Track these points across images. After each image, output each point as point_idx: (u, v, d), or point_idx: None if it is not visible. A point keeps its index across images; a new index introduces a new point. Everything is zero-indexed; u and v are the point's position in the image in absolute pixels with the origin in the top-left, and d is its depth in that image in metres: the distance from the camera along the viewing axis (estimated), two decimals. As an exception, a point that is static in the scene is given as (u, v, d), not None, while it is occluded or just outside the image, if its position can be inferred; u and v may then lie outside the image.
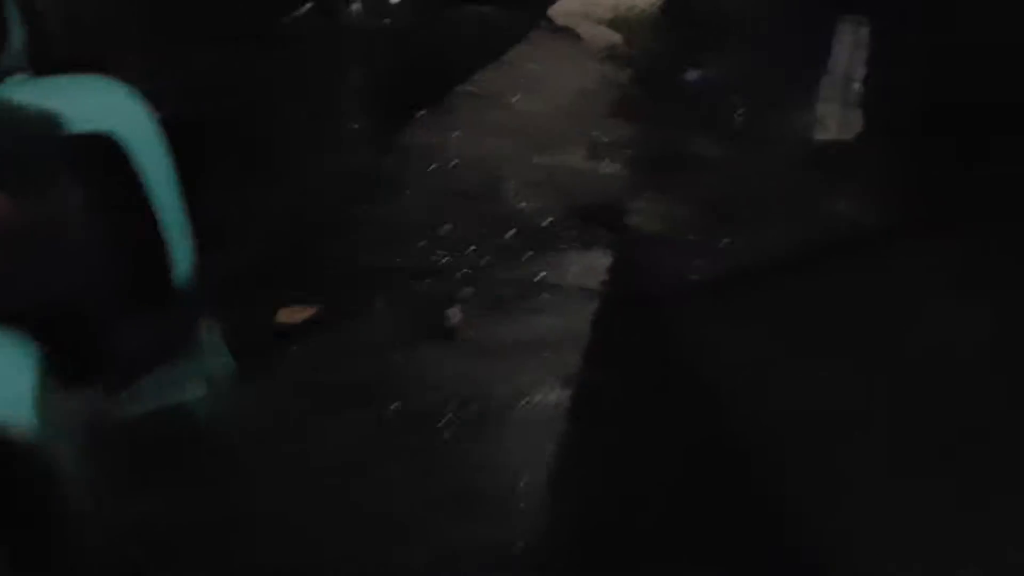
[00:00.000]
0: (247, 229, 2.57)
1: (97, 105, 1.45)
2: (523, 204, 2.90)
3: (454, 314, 2.36)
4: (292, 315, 2.37)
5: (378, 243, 2.66)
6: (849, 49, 2.85)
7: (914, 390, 2.13)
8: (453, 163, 3.19)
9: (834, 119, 2.91)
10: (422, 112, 3.48)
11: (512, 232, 2.77)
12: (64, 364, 1.25)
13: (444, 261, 2.59)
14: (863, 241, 2.71)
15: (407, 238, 2.70)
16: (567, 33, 4.24)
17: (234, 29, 3.22)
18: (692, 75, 3.21)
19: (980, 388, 2.13)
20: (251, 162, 2.86)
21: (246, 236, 2.53)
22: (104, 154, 1.34)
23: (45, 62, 1.54)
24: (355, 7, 3.38)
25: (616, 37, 3.97)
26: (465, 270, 2.56)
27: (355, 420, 2.06)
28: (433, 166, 3.17)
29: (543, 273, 2.56)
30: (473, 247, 2.68)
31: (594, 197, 2.97)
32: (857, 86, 2.88)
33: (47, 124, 1.34)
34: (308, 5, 3.51)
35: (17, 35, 1.51)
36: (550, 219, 2.84)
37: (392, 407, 2.13)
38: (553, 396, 2.18)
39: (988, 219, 2.68)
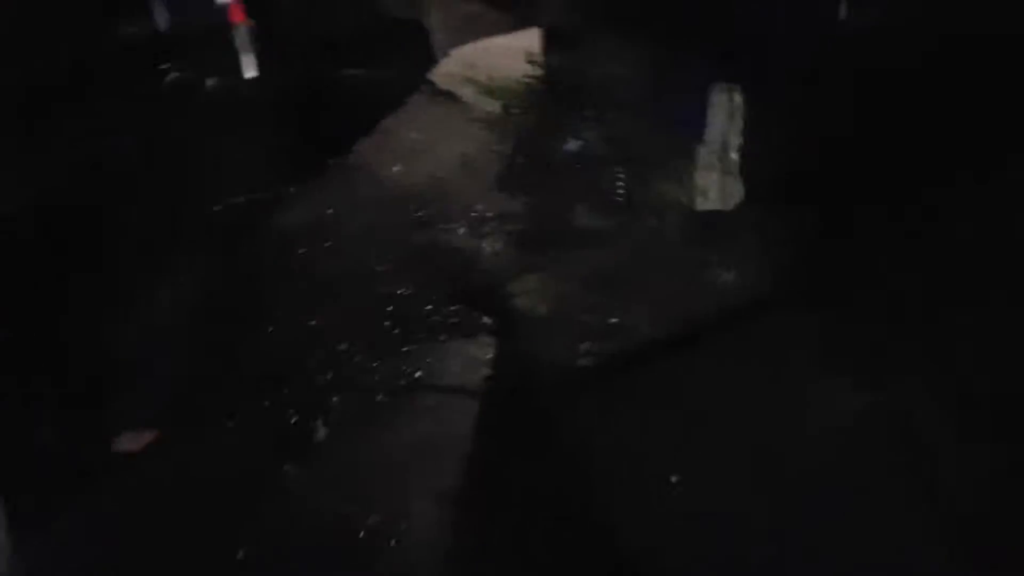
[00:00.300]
0: (77, 345, 2.28)
1: None
2: (400, 290, 2.72)
3: (320, 428, 2.14)
4: (131, 441, 2.09)
5: (232, 345, 2.41)
6: (724, 117, 2.86)
7: (797, 466, 2.12)
8: (324, 246, 2.98)
9: (714, 188, 2.91)
10: (291, 189, 3.27)
11: (387, 323, 2.58)
12: None
13: (310, 363, 2.37)
14: (747, 313, 2.67)
15: (267, 338, 2.47)
16: (448, 98, 4.13)
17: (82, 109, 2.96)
18: (572, 145, 3.15)
19: (858, 467, 2.14)
20: (87, 265, 2.57)
21: (76, 353, 2.24)
22: None
23: None
24: (211, 82, 3.15)
25: (496, 104, 3.89)
26: (333, 373, 2.34)
27: (204, 567, 1.80)
28: (301, 250, 2.95)
29: (420, 372, 2.38)
30: (343, 344, 2.47)
31: (476, 278, 2.82)
32: (735, 155, 2.89)
33: None
34: (166, 79, 3.26)
35: None
36: (429, 306, 2.67)
37: (246, 546, 1.88)
38: (432, 516, 1.99)
39: (867, 286, 2.70)
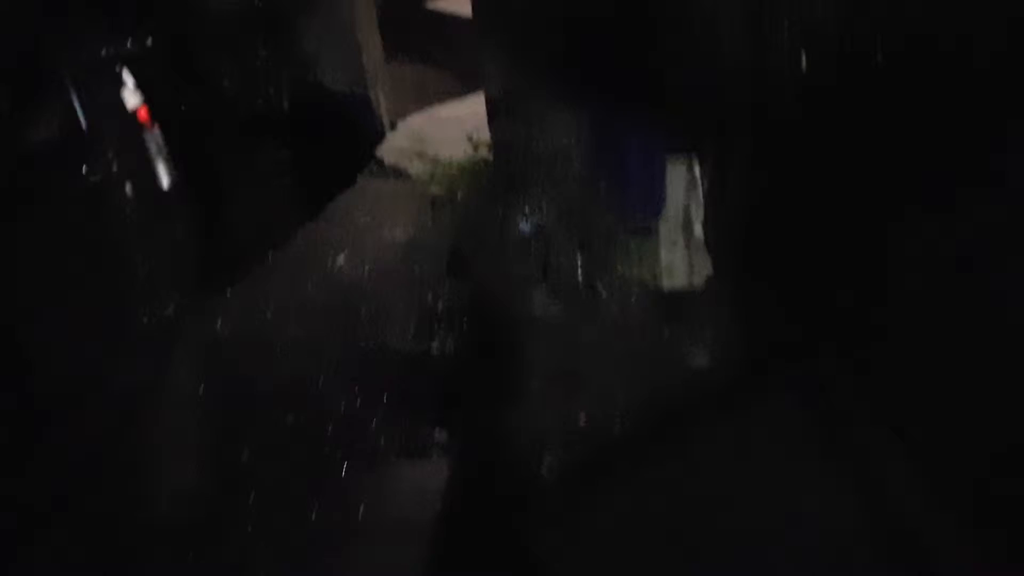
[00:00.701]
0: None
1: None
2: (342, 406, 2.49)
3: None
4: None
5: (147, 490, 2.17)
6: (684, 189, 2.71)
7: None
8: (259, 358, 2.76)
9: (680, 265, 2.74)
10: (223, 293, 3.06)
11: (327, 449, 2.35)
12: None
13: (235, 508, 2.13)
14: (726, 401, 2.47)
15: (189, 478, 2.23)
16: (396, 175, 3.97)
17: None
18: (526, 225, 2.98)
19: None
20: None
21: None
22: None
23: None
24: (129, 186, 2.96)
25: (446, 180, 3.74)
26: (262, 519, 2.11)
27: None
28: (234, 365, 2.73)
29: (363, 507, 2.14)
30: (275, 480, 2.23)
31: (425, 385, 2.60)
32: (699, 227, 2.73)
33: None
34: (83, 183, 3.06)
35: None
36: (374, 423, 2.45)
37: None
38: None
39: (852, 366, 2.53)
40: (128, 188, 2.91)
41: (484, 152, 3.59)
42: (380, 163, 4.06)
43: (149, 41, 2.93)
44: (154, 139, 2.90)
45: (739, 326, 2.62)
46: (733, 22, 2.51)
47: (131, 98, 2.85)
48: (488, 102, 3.38)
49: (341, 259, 3.37)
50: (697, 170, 2.60)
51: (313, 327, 2.87)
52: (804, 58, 2.59)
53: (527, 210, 2.89)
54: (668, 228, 2.63)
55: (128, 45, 2.89)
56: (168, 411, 2.57)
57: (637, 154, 2.64)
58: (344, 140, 4.08)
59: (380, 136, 4.25)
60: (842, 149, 2.64)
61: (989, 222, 2.53)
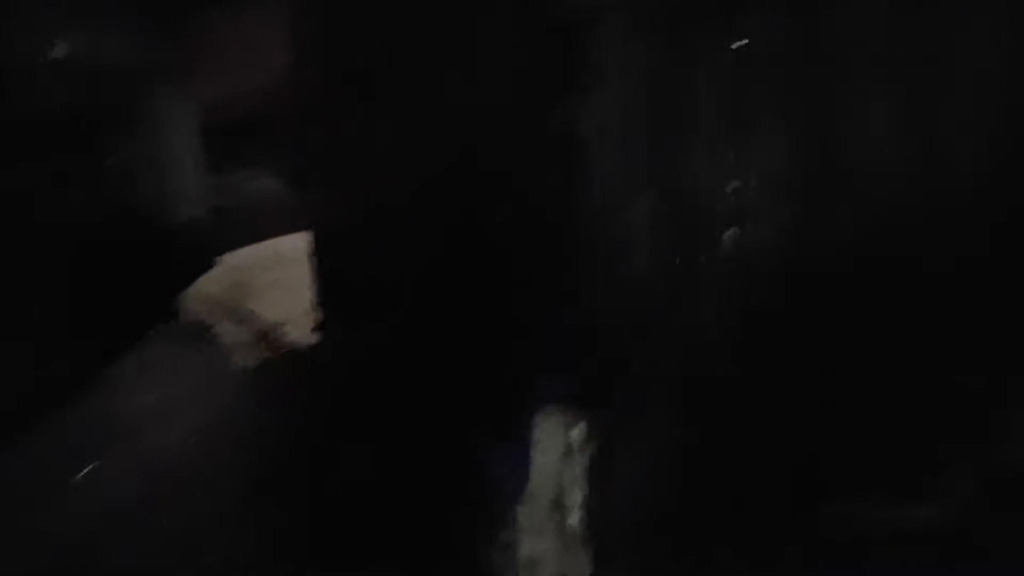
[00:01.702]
0: None
1: None
2: None
3: None
4: None
5: None
6: (557, 458, 2.23)
7: None
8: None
9: (547, 561, 2.23)
10: None
11: None
12: None
13: None
14: None
15: None
16: (197, 338, 3.39)
17: None
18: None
19: None
20: None
21: None
22: None
23: None
24: None
25: (265, 353, 3.20)
26: None
27: None
28: None
29: None
30: None
31: None
32: (576, 512, 2.24)
33: None
34: None
35: None
36: None
37: None
38: None
39: None
40: None
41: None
42: (177, 319, 3.46)
43: None
44: None
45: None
46: (651, 246, 2.14)
47: None
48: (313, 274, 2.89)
49: (88, 470, 2.74)
50: (578, 434, 2.18)
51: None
52: (743, 291, 2.26)
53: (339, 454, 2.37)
54: (532, 512, 2.18)
55: None
56: None
57: (498, 396, 2.19)
58: (130, 282, 3.48)
59: (186, 278, 3.66)
60: (791, 422, 2.31)
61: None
